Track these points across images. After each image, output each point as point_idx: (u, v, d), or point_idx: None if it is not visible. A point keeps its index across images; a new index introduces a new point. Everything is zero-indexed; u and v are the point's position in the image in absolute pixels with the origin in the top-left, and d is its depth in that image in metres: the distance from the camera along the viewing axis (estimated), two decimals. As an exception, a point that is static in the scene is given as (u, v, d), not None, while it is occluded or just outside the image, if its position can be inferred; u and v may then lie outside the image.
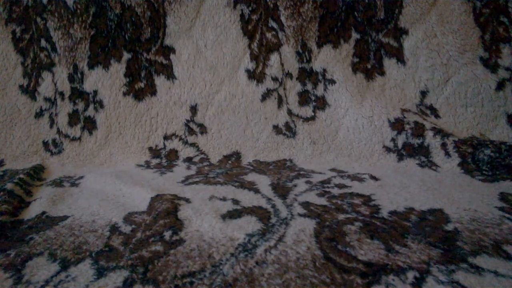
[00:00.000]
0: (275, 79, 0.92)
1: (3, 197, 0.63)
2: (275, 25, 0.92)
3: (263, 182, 0.72)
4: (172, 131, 0.92)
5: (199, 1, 0.93)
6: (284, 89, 0.92)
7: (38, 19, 0.94)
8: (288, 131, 0.90)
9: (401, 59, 0.89)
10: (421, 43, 0.88)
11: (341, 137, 0.88)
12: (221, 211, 0.57)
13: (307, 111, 0.90)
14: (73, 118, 0.93)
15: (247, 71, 0.92)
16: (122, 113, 0.92)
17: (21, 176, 0.74)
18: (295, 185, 0.69)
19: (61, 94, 0.94)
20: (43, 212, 0.61)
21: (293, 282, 0.40)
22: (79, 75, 0.94)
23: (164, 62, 0.93)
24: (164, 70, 0.93)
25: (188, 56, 0.93)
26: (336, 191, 0.66)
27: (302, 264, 0.43)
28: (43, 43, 0.94)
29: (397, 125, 0.85)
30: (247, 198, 0.63)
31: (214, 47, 0.93)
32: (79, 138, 0.92)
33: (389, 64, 0.90)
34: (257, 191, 0.66)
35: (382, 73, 0.90)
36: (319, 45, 0.91)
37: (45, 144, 0.92)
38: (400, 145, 0.83)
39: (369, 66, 0.90)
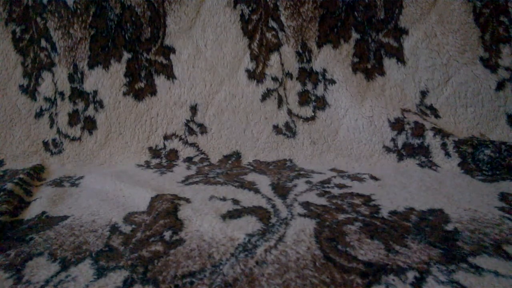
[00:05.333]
0: (275, 79, 0.92)
1: (3, 197, 0.63)
2: (275, 25, 0.92)
3: (263, 182, 0.72)
4: (172, 131, 0.92)
5: (199, 1, 0.93)
6: (284, 89, 0.92)
7: (38, 19, 0.94)
8: (288, 131, 0.90)
9: (401, 59, 0.89)
10: (421, 43, 0.88)
11: (341, 137, 0.88)
12: (221, 211, 0.57)
13: (307, 111, 0.90)
14: (73, 118, 0.93)
15: (247, 71, 0.92)
16: (122, 113, 0.92)
17: (21, 176, 0.74)
18: (295, 185, 0.69)
19: (61, 94, 0.94)
20: (43, 212, 0.61)
21: (293, 282, 0.40)
22: (79, 75, 0.94)
23: (164, 62, 0.93)
24: (164, 70, 0.93)
25: (188, 56, 0.93)
26: (336, 191, 0.66)
27: (302, 264, 0.43)
28: (43, 43, 0.94)
29: (397, 125, 0.85)
30: (247, 198, 0.63)
31: (214, 47, 0.93)
32: (79, 138, 0.92)
33: (389, 64, 0.90)
34: (257, 191, 0.66)
35: (382, 73, 0.90)
36: (319, 45, 0.91)
37: (45, 144, 0.92)
38: (400, 145, 0.83)
39: (369, 66, 0.90)
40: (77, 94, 0.94)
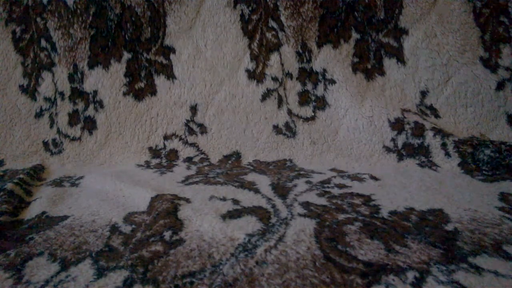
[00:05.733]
0: (275, 79, 0.92)
1: (3, 197, 0.63)
2: (275, 25, 0.92)
3: (263, 182, 0.72)
4: (172, 131, 0.92)
5: (199, 1, 0.93)
6: (284, 89, 0.92)
7: (38, 19, 0.94)
8: (288, 131, 0.90)
9: (401, 59, 0.89)
10: (421, 43, 0.88)
11: (341, 137, 0.88)
12: (221, 211, 0.57)
13: (307, 111, 0.90)
14: (73, 118, 0.93)
15: (247, 71, 0.92)
16: (122, 113, 0.92)
17: (21, 176, 0.74)
18: (295, 185, 0.69)
19: (61, 94, 0.94)
20: (43, 212, 0.61)
21: (293, 282, 0.40)
22: (79, 75, 0.94)
23: (164, 62, 0.93)
24: (164, 70, 0.93)
25: (188, 56, 0.93)
26: (336, 191, 0.66)
27: (302, 264, 0.43)
28: (43, 43, 0.94)
29: (397, 125, 0.85)
30: (247, 198, 0.63)
31: (214, 47, 0.93)
32: (79, 138, 0.92)
33: (389, 64, 0.90)
34: (257, 191, 0.66)
35: (382, 73, 0.90)
36: (319, 45, 0.91)
37: (45, 144, 0.92)
38: (400, 145, 0.83)
39: (369, 66, 0.90)
40: (77, 94, 0.94)
